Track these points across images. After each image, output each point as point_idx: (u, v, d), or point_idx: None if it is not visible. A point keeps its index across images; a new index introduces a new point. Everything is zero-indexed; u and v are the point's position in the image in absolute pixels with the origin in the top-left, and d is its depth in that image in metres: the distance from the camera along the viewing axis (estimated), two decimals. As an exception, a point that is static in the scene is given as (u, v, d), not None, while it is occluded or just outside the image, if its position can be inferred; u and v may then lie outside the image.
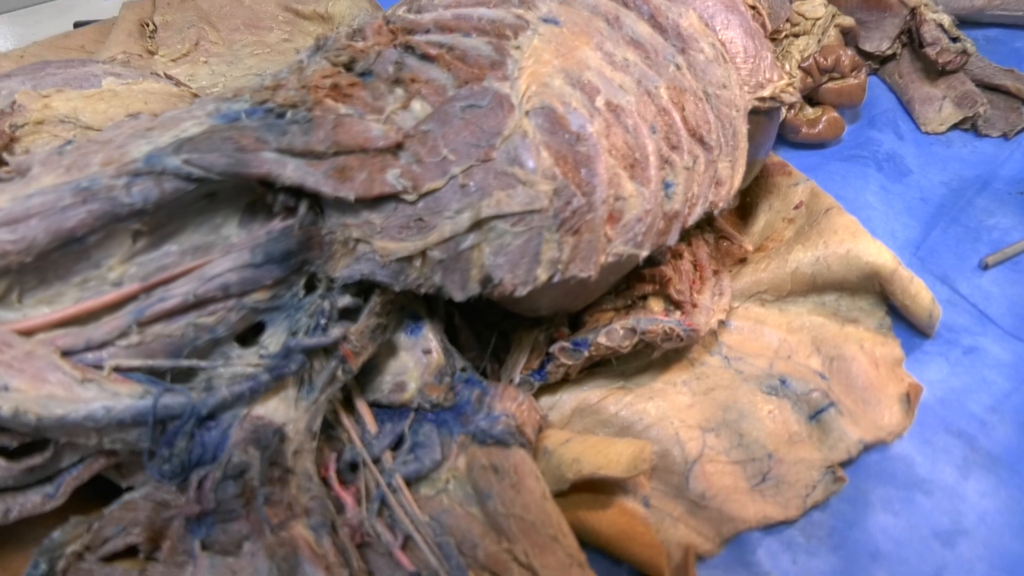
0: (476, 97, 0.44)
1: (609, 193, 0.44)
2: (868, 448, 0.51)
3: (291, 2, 0.92)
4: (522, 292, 0.43)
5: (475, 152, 0.43)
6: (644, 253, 0.46)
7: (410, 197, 0.42)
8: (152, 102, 0.65)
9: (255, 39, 0.89)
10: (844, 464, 0.50)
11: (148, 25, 0.88)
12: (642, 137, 0.47)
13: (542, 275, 0.43)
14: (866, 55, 0.82)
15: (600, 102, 0.46)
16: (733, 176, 0.52)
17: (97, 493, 0.43)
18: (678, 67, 0.51)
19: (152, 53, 0.86)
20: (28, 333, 0.40)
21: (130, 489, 0.42)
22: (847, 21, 0.77)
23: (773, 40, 0.72)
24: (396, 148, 0.43)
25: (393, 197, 0.42)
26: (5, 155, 0.47)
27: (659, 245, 0.47)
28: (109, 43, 0.87)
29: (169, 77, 0.69)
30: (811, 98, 0.75)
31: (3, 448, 0.39)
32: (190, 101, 0.68)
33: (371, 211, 0.42)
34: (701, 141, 0.50)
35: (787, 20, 0.74)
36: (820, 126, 0.73)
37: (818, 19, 0.76)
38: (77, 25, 0.95)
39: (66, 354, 0.39)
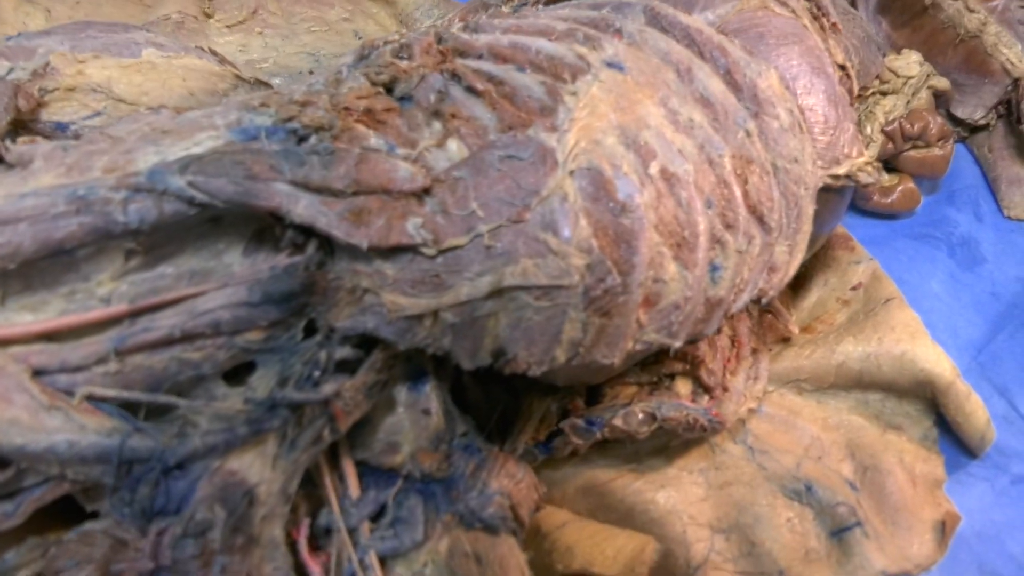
0: (518, 147, 0.40)
1: (648, 274, 0.40)
2: (891, 579, 0.46)
3: (357, -21, 0.88)
4: (536, 371, 0.39)
5: (507, 210, 0.39)
6: (677, 343, 0.42)
7: (429, 251, 0.38)
8: (191, 79, 0.62)
9: (315, 14, 0.85)
10: (861, 594, 0.46)
11: (208, -16, 0.85)
12: (695, 213, 0.42)
13: (560, 356, 0.39)
14: (956, 121, 0.75)
15: (654, 168, 0.42)
16: (790, 262, 0.47)
17: (60, 511, 0.41)
18: (748, 133, 0.46)
19: (208, 16, 0.83)
20: (4, 342, 0.37)
21: (95, 515, 0.40)
22: (942, 83, 0.71)
23: (859, 97, 0.67)
24: (422, 193, 0.39)
25: (410, 249, 0.38)
26: (13, 142, 0.44)
27: (695, 334, 0.43)
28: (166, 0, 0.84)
29: (214, 53, 0.66)
30: (888, 163, 0.69)
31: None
32: (232, 82, 0.64)
33: (385, 261, 0.38)
34: (761, 220, 0.45)
35: (877, 76, 0.68)
36: (894, 196, 0.68)
37: (911, 78, 0.69)
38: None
39: (38, 373, 0.36)
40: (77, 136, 0.53)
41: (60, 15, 0.88)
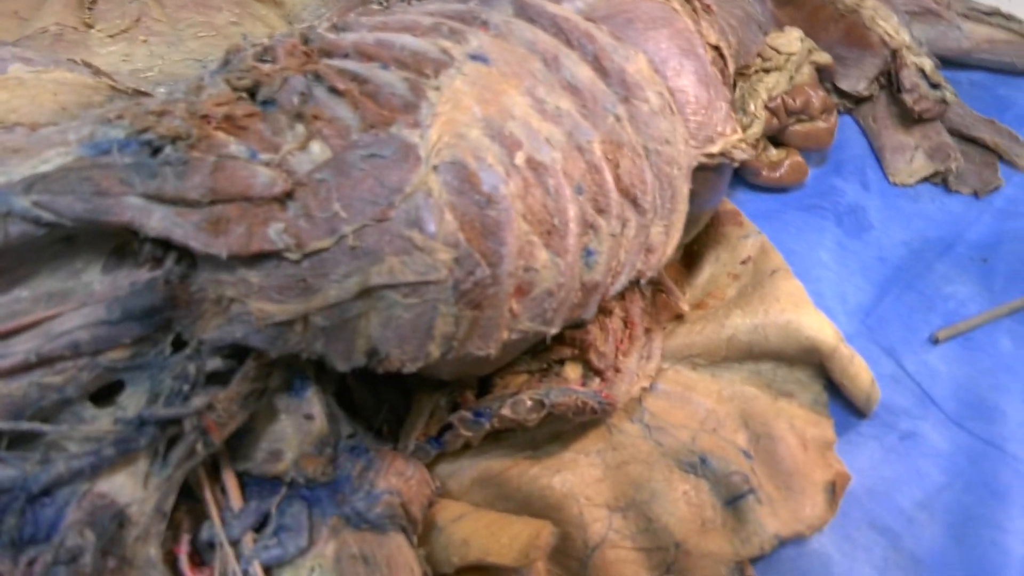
0: (380, 145, 0.40)
1: (518, 264, 0.40)
2: (784, 543, 0.48)
3: (245, -18, 0.87)
4: (411, 368, 0.39)
5: (370, 210, 0.39)
6: (553, 330, 0.42)
7: (293, 256, 0.38)
8: (62, 94, 0.60)
9: (202, 19, 0.83)
10: (756, 559, 0.47)
11: (88, -5, 0.82)
12: (564, 200, 0.43)
13: (434, 352, 0.39)
14: (841, 93, 0.77)
15: (520, 159, 0.42)
16: (667, 242, 0.48)
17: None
18: (617, 118, 0.47)
19: (89, 26, 0.80)
20: None
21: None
22: (824, 59, 0.73)
23: (742, 75, 0.68)
24: (285, 197, 0.39)
25: (274, 255, 0.38)
26: None
27: (572, 320, 0.43)
28: (44, 12, 0.81)
29: (88, 65, 0.64)
30: (775, 139, 0.71)
31: None
32: (107, 95, 0.63)
33: (248, 269, 0.38)
34: (634, 203, 0.46)
35: (759, 55, 0.69)
36: (782, 170, 0.69)
37: (793, 55, 0.71)
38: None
39: None
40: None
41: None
